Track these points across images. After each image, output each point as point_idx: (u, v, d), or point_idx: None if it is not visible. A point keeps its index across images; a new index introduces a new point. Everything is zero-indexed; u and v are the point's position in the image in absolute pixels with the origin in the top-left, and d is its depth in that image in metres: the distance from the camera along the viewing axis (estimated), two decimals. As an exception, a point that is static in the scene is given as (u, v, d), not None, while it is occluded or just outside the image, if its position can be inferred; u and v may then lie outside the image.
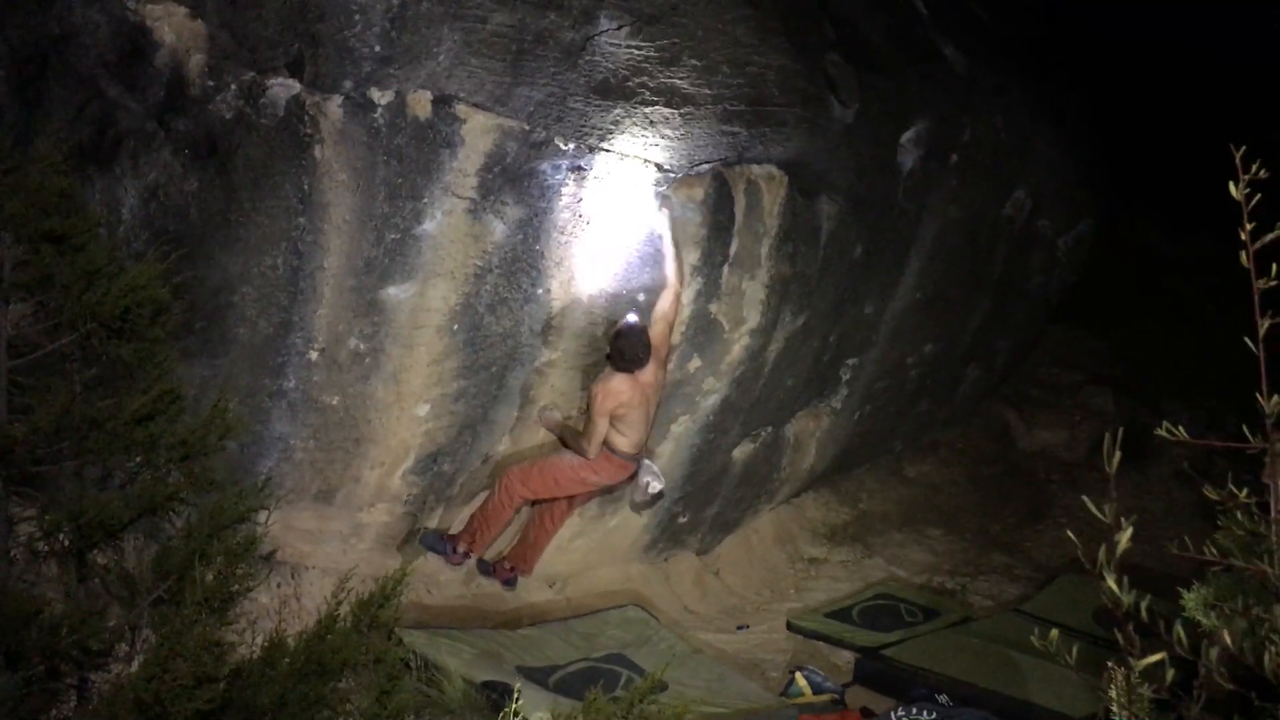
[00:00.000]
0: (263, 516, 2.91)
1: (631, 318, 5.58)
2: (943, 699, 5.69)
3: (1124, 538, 1.72)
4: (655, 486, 6.03)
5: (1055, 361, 10.86)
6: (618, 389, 5.59)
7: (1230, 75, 11.18)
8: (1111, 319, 11.43)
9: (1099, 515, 1.74)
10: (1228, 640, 1.85)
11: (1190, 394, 10.16)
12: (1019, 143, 8.00)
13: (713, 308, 6.00)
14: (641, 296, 5.68)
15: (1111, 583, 1.73)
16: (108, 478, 2.81)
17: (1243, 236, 1.85)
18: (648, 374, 5.64)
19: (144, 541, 2.80)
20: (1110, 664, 1.98)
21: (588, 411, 5.67)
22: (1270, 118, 9.87)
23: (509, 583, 6.18)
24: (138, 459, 2.68)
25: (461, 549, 5.98)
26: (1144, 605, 1.80)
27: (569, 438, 5.76)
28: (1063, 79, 9.00)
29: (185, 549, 2.61)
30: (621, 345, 5.53)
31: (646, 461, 6.02)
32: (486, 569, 6.12)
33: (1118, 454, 1.80)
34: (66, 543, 2.60)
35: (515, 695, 2.72)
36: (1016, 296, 8.82)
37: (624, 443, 5.74)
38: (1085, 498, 1.84)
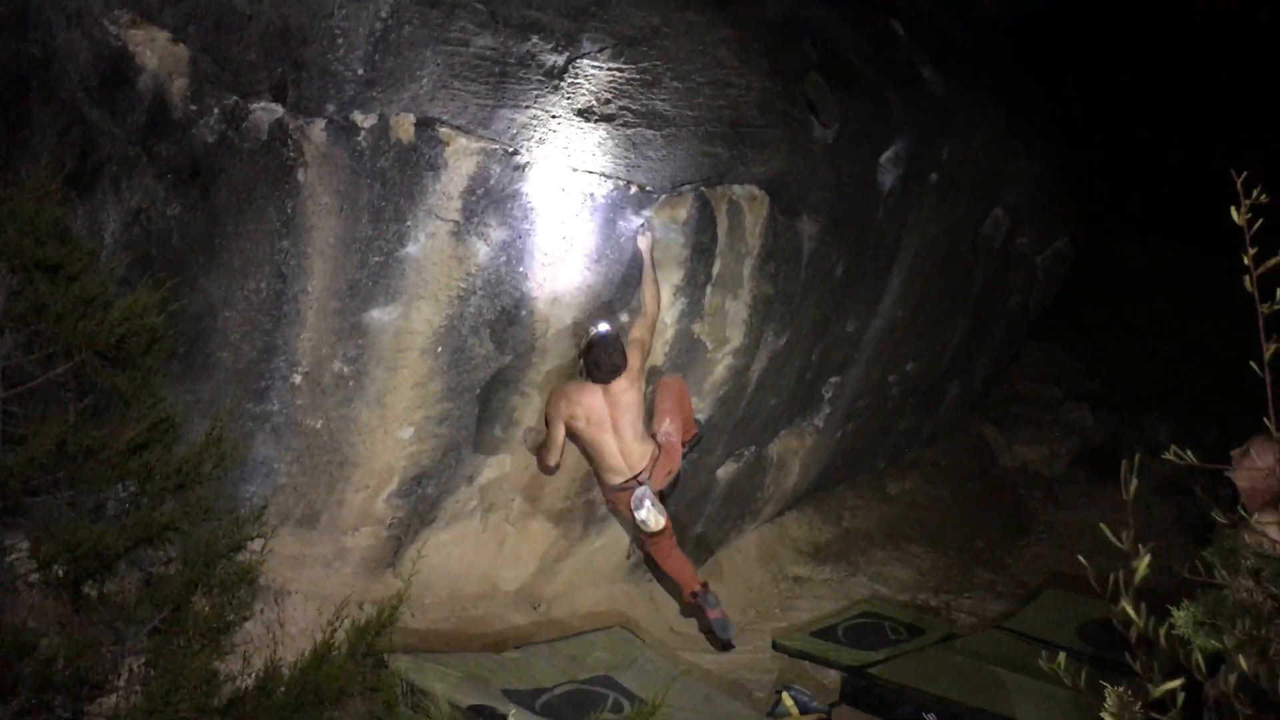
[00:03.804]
0: (257, 545, 2.89)
1: (603, 327, 5.51)
2: (929, 717, 5.69)
3: (1142, 565, 1.72)
4: (646, 519, 5.79)
5: (1034, 378, 10.94)
6: (574, 396, 5.51)
7: (1201, 90, 11.33)
8: (1088, 334, 11.54)
9: (1116, 543, 1.75)
10: (1243, 665, 1.86)
11: (1167, 407, 10.25)
12: (996, 162, 8.08)
13: (696, 328, 6.01)
14: (624, 317, 5.69)
15: (1128, 608, 1.73)
16: (101, 507, 2.78)
17: (1246, 262, 1.87)
18: (622, 391, 5.56)
19: (139, 571, 2.77)
20: (1110, 686, 1.98)
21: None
22: (1241, 130, 10.02)
23: (714, 608, 6.25)
24: (132, 488, 2.65)
25: (699, 592, 6.16)
26: (1163, 632, 1.80)
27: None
28: (1037, 98, 9.11)
29: (181, 579, 2.59)
30: (596, 355, 5.45)
31: (640, 491, 5.78)
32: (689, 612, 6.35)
33: (1134, 481, 1.80)
34: (61, 574, 2.57)
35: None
36: (996, 314, 8.89)
37: (607, 474, 5.72)
38: (1103, 525, 1.84)
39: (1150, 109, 11.50)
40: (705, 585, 6.25)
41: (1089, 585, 1.97)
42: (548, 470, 5.71)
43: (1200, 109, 11.35)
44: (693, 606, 6.39)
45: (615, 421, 5.61)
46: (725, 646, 6.37)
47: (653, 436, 5.80)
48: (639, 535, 6.10)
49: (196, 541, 2.72)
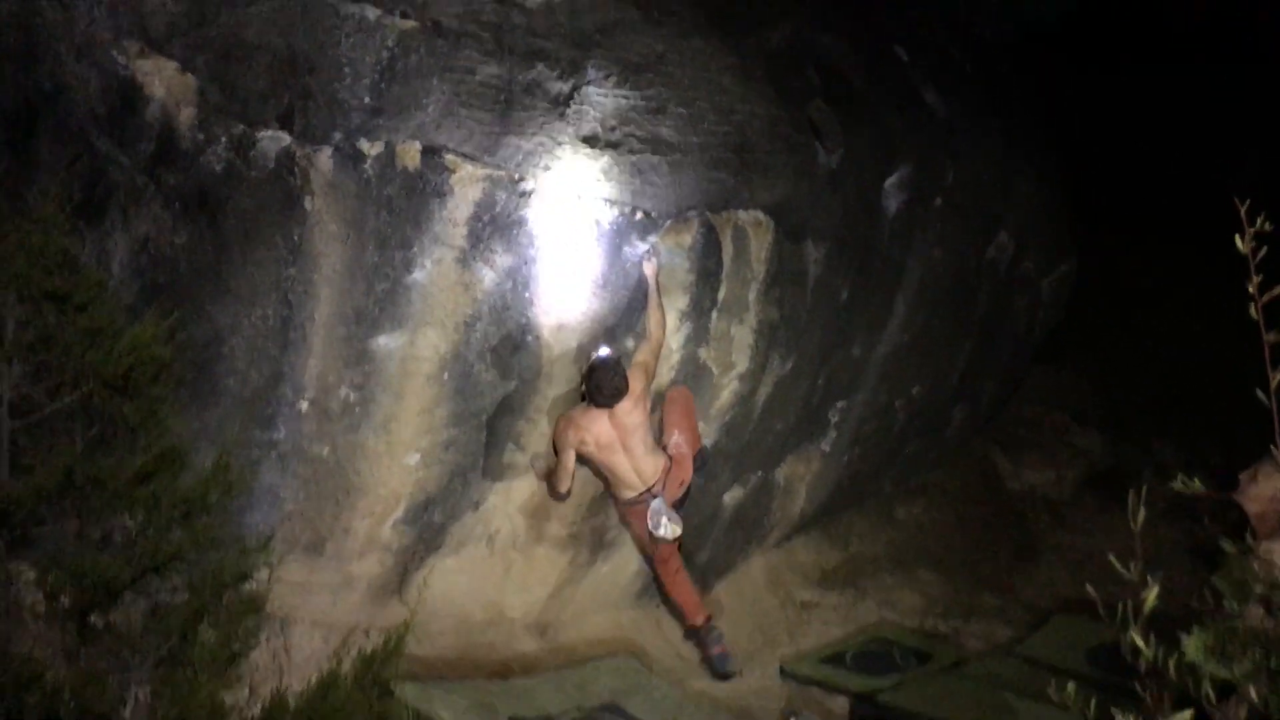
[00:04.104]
0: (264, 574, 2.88)
1: (604, 351, 5.52)
2: (939, 744, 5.66)
3: (1150, 595, 1.72)
4: (662, 531, 5.77)
5: (1041, 401, 10.89)
6: (580, 422, 5.51)
7: (1201, 100, 11.36)
8: (1094, 357, 11.50)
9: (1123, 572, 1.74)
10: (1253, 695, 1.85)
11: (1174, 429, 10.20)
12: (1000, 185, 8.09)
13: (702, 353, 6.01)
14: (630, 342, 5.69)
15: (1137, 638, 1.72)
16: (109, 537, 2.78)
17: (1251, 290, 1.86)
18: (627, 413, 5.55)
19: (145, 599, 2.76)
20: (1120, 713, 1.97)
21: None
22: (1241, 138, 10.04)
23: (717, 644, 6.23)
24: (139, 518, 2.65)
25: (703, 626, 6.15)
26: (1171, 662, 1.79)
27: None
28: (1041, 121, 9.13)
29: (187, 608, 2.58)
30: (598, 380, 5.45)
31: (655, 503, 5.75)
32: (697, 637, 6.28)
33: (1142, 511, 1.80)
34: (68, 604, 2.57)
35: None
36: (1002, 337, 8.87)
37: (621, 490, 5.72)
38: (1112, 557, 1.83)
39: (1151, 124, 11.52)
40: (709, 619, 6.20)
41: (1098, 610, 1.96)
42: (559, 497, 5.71)
43: (1200, 120, 11.38)
44: (696, 636, 6.36)
45: (624, 442, 5.62)
46: (725, 678, 6.33)
47: (663, 449, 5.79)
48: (649, 552, 6.08)
49: (203, 571, 2.71)
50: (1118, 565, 1.75)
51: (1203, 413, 9.65)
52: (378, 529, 5.55)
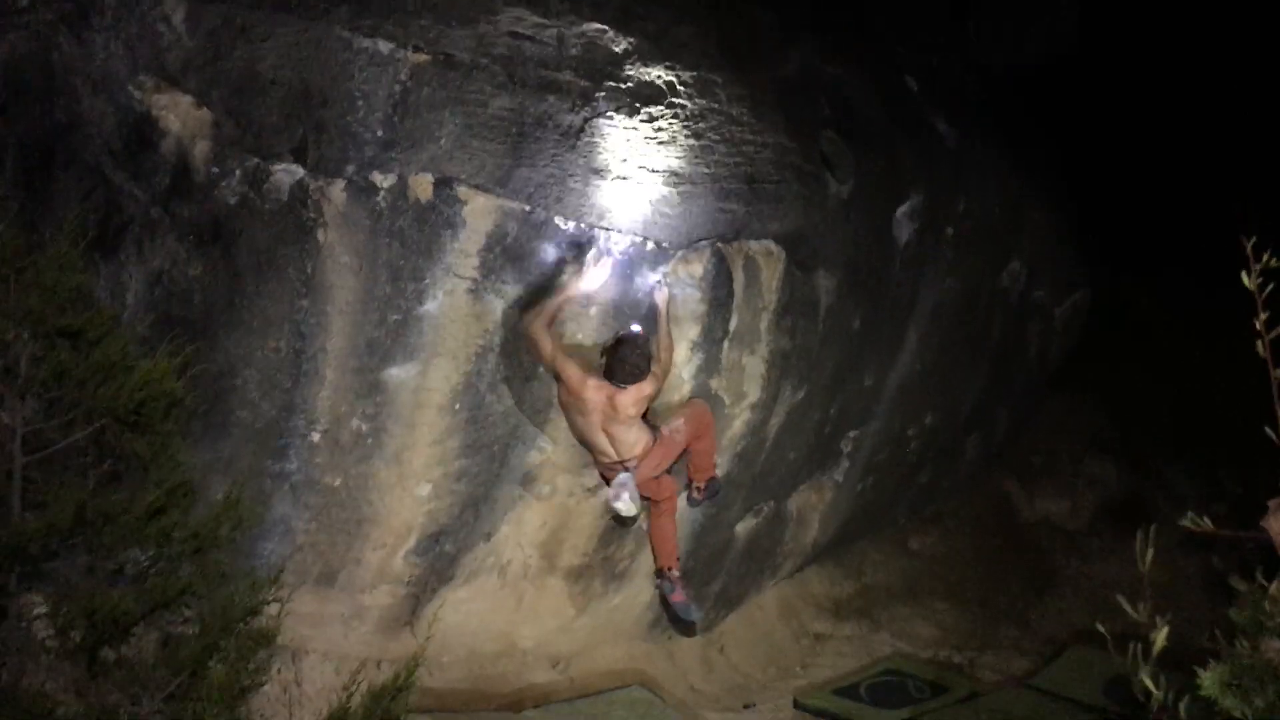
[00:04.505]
0: (274, 608, 2.88)
1: (635, 328, 5.45)
2: (955, 777, 5.60)
3: (1160, 636, 1.70)
4: (620, 505, 5.63)
5: (1055, 430, 10.84)
6: (588, 379, 5.34)
7: (1205, 139, 11.36)
8: (1108, 385, 11.44)
9: (1132, 612, 1.72)
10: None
11: (1190, 458, 10.13)
12: (1012, 214, 8.09)
13: (714, 383, 6.01)
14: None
15: (1147, 681, 1.70)
16: (120, 571, 2.78)
17: (1258, 327, 1.85)
18: (624, 407, 5.40)
19: (157, 632, 2.76)
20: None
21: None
22: (1246, 177, 10.02)
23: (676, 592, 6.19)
24: (150, 552, 2.65)
25: (669, 571, 6.10)
26: (1183, 705, 1.77)
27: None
28: (1050, 149, 9.14)
29: (198, 644, 2.58)
30: (623, 353, 5.34)
31: (623, 476, 5.61)
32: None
33: (1150, 552, 1.78)
34: (79, 639, 2.57)
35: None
36: (1015, 366, 8.85)
37: (595, 454, 5.65)
38: (1120, 597, 1.81)
39: (1164, 153, 11.52)
40: (672, 569, 6.15)
41: (1116, 641, 1.94)
42: (533, 337, 5.35)
43: (1213, 147, 11.37)
44: (662, 579, 6.25)
45: (604, 425, 5.48)
46: (688, 630, 6.30)
47: (655, 428, 5.69)
48: (649, 492, 5.92)
49: (214, 605, 2.71)
50: (1126, 605, 1.74)
51: (1219, 441, 9.59)
52: (389, 560, 5.54)
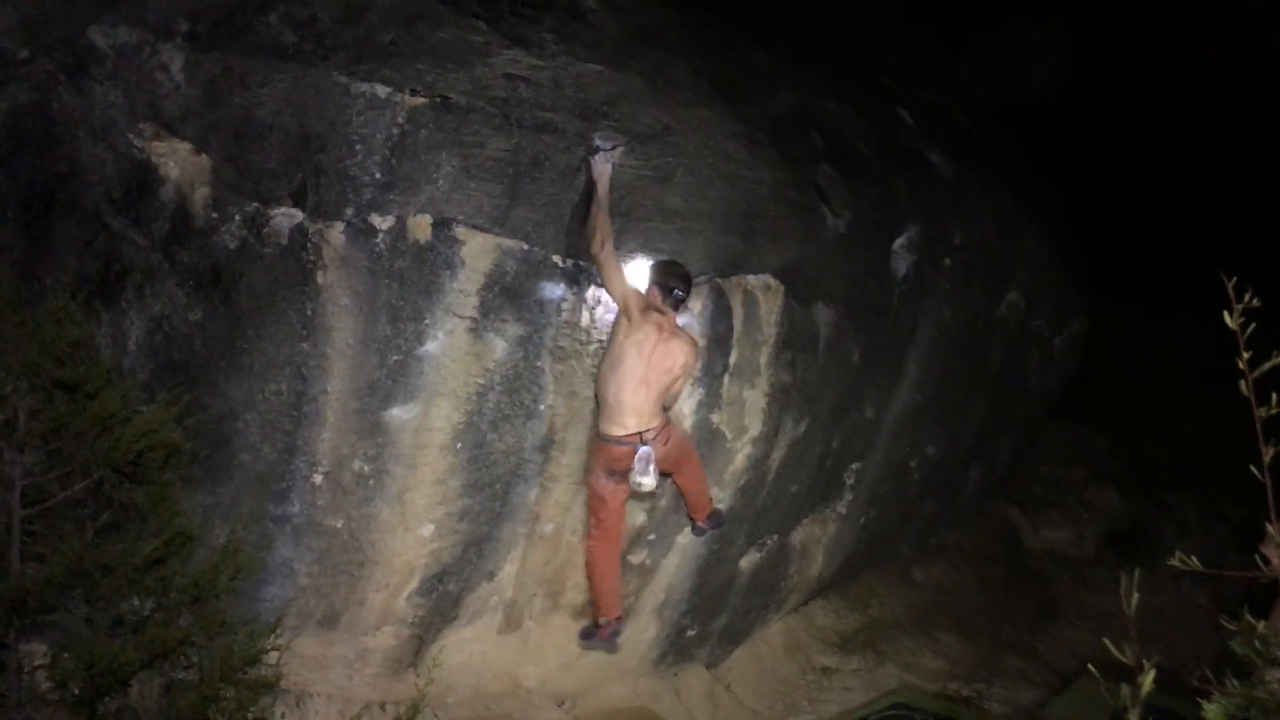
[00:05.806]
0: (274, 656, 2.87)
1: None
2: (964, 812, 5.56)
3: (1147, 681, 1.69)
4: (642, 483, 5.55)
5: (1057, 459, 10.84)
6: (647, 309, 5.33)
7: (1200, 169, 11.43)
8: (1109, 413, 11.45)
9: (1120, 658, 1.72)
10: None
11: (1193, 484, 10.12)
12: (1009, 244, 8.12)
13: (714, 418, 6.01)
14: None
15: (1136, 722, 1.70)
16: (119, 622, 2.78)
17: (1241, 366, 1.86)
18: (664, 340, 5.36)
19: (158, 678, 2.75)
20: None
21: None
22: (1237, 204, 10.06)
23: (613, 637, 6.08)
24: (150, 602, 2.65)
25: (603, 622, 5.98)
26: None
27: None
28: (1045, 179, 9.19)
29: (197, 693, 2.57)
30: (669, 269, 5.37)
31: (643, 450, 5.52)
32: (589, 633, 6.12)
33: (1135, 595, 1.78)
34: (78, 691, 2.56)
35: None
36: (1015, 396, 8.85)
37: (611, 425, 5.47)
38: (1106, 640, 1.81)
39: (1160, 185, 11.58)
40: (620, 620, 6.07)
41: (1123, 672, 1.93)
42: (610, 268, 5.31)
43: (1208, 180, 11.43)
44: (596, 628, 6.11)
45: (645, 369, 5.38)
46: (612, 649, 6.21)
47: (664, 410, 5.62)
48: (597, 514, 5.74)
49: (214, 655, 2.70)
50: (1111, 648, 1.74)
51: (1222, 469, 9.57)
52: (392, 601, 5.53)
